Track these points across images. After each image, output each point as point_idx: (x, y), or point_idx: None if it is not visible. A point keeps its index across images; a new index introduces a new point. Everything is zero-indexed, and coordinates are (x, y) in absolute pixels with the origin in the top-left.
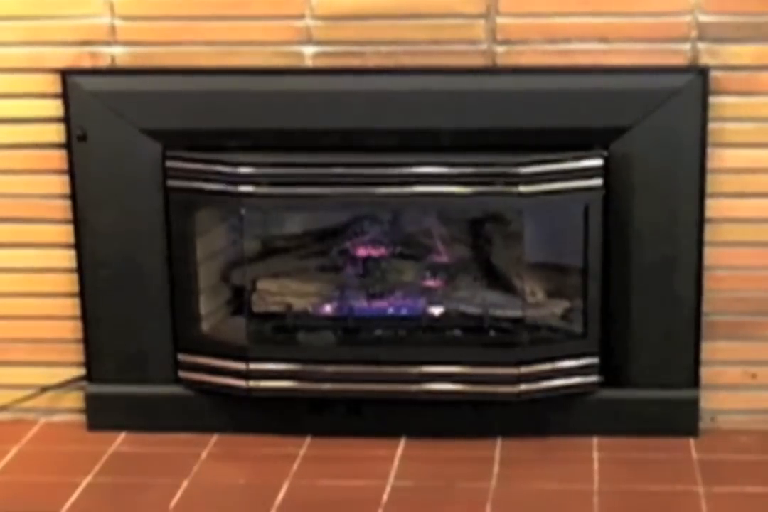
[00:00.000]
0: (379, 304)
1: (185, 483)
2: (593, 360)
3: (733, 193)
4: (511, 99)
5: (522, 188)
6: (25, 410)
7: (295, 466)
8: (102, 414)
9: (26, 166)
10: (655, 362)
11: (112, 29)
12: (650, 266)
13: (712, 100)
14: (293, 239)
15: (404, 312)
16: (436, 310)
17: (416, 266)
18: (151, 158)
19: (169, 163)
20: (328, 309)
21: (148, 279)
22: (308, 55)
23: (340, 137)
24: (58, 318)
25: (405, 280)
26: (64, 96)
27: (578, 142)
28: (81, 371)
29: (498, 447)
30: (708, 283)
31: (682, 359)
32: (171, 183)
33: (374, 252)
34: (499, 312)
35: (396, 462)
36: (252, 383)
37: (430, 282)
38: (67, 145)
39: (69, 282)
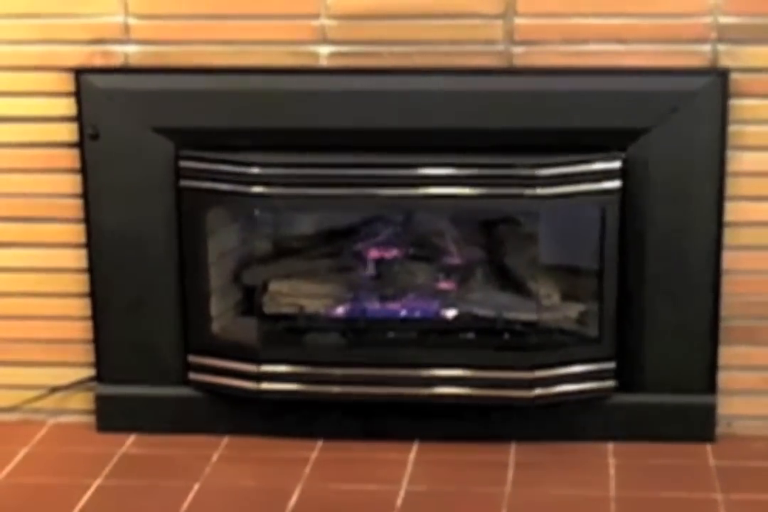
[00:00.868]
0: (391, 306)
1: (196, 486)
2: (608, 365)
3: (753, 197)
4: (528, 100)
5: (539, 190)
6: (35, 411)
7: (307, 469)
8: (112, 416)
9: (38, 165)
10: (672, 367)
11: (126, 28)
12: (667, 269)
13: (732, 102)
14: (305, 240)
15: (417, 314)
16: (450, 313)
17: (429, 268)
18: (163, 157)
19: (183, 163)
20: (340, 311)
21: (158, 280)
22: (323, 54)
23: (354, 138)
24: (68, 318)
25: (418, 282)
26: (77, 94)
27: (596, 143)
28: (91, 372)
29: (512, 452)
30: (726, 287)
31: (698, 364)
32: (183, 183)
33: (387, 253)
34: (513, 315)
35: (409, 467)
36: (263, 385)
37: (444, 285)
38: (80, 144)
39: (80, 282)
